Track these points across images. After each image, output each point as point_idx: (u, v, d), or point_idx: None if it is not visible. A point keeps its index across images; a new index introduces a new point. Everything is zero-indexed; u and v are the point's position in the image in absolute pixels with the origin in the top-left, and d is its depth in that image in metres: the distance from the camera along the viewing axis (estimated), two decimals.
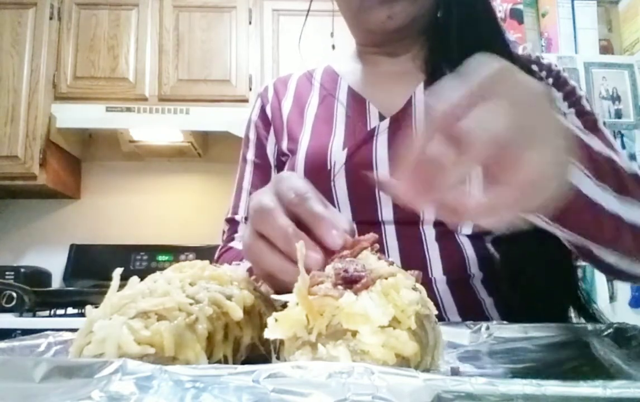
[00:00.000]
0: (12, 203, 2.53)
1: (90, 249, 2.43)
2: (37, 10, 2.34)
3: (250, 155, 0.79)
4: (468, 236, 0.63)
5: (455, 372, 0.32)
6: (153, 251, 2.39)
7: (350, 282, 0.30)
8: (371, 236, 0.37)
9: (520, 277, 0.61)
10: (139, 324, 0.28)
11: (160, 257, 2.37)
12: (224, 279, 0.35)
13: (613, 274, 0.54)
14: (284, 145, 0.74)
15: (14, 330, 1.67)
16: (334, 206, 0.65)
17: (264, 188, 0.41)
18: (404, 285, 0.30)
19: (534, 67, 0.71)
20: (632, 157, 2.15)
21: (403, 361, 0.27)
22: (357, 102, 0.72)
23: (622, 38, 2.49)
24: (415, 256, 0.62)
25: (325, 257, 0.36)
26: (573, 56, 2.24)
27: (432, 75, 0.69)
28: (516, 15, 2.35)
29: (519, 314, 0.63)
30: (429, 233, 0.63)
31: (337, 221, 0.37)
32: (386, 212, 0.64)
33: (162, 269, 0.35)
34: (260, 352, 0.34)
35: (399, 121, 0.67)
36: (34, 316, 1.80)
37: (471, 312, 0.60)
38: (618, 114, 2.18)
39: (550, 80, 0.70)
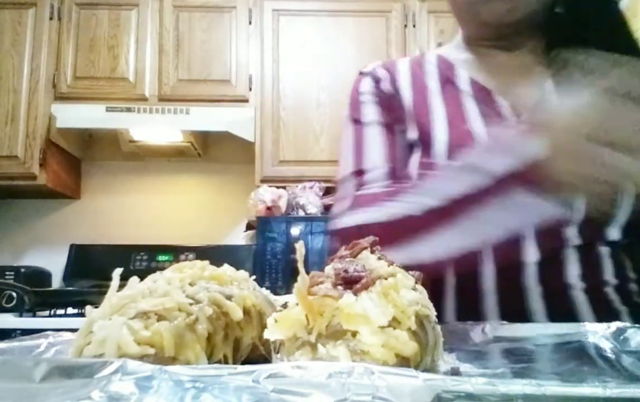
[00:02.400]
0: (12, 203, 2.53)
1: (90, 249, 2.43)
2: (37, 10, 2.34)
3: (372, 116, 0.73)
4: (607, 243, 0.62)
5: (455, 372, 0.32)
6: (153, 251, 2.39)
7: (350, 282, 0.30)
8: (371, 237, 0.37)
9: None
10: (139, 325, 0.28)
11: (160, 257, 2.37)
12: (224, 279, 0.35)
13: None
14: (412, 134, 0.71)
15: (14, 330, 1.67)
16: None
17: None
18: (404, 285, 0.30)
19: None
20: None
21: (403, 361, 0.27)
22: (483, 94, 0.70)
23: None
24: (554, 261, 0.61)
25: None
26: None
27: (560, 70, 0.65)
28: None
29: None
30: (571, 237, 0.61)
31: None
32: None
33: (162, 269, 0.35)
34: (260, 352, 0.34)
35: (534, 115, 0.63)
36: (34, 316, 1.80)
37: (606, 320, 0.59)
38: None
39: None
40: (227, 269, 0.37)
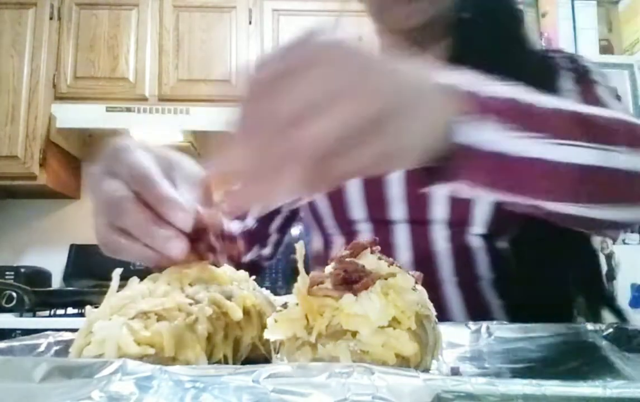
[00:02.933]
0: (12, 203, 2.53)
1: (90, 249, 2.43)
2: (37, 10, 2.34)
3: None
4: (480, 236, 0.63)
5: (455, 372, 0.32)
6: None
7: (350, 282, 0.30)
8: (370, 237, 0.37)
9: (536, 277, 0.60)
10: (139, 325, 0.28)
11: None
12: (224, 279, 0.35)
13: (587, 228, 0.49)
14: None
15: (14, 330, 1.67)
16: (347, 205, 0.65)
17: (101, 165, 0.39)
18: (404, 285, 0.30)
19: (555, 55, 0.71)
20: None
21: (403, 361, 0.27)
22: None
23: (622, 38, 2.49)
24: (425, 256, 0.62)
25: (188, 243, 0.35)
26: None
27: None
28: None
29: (528, 318, 0.62)
30: (439, 233, 0.63)
31: (183, 201, 0.36)
32: (398, 212, 0.64)
33: (162, 269, 0.35)
34: (260, 352, 0.34)
35: None
36: (34, 316, 1.80)
37: (478, 315, 0.59)
38: None
39: (565, 62, 0.69)
40: (227, 269, 0.37)
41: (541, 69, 0.67)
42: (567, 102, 0.43)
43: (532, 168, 0.37)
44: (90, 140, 2.58)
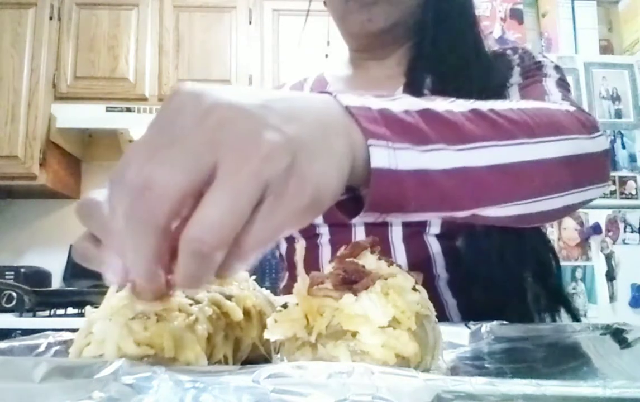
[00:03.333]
0: (12, 203, 2.53)
1: None
2: (37, 10, 2.34)
3: None
4: (436, 236, 0.64)
5: (455, 372, 0.32)
6: None
7: (350, 282, 0.30)
8: (371, 237, 0.37)
9: (491, 277, 0.60)
10: (139, 325, 0.28)
11: None
12: (224, 280, 0.35)
13: (527, 223, 0.47)
14: None
15: (14, 330, 1.67)
16: None
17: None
18: (404, 285, 0.30)
19: (508, 52, 0.73)
20: (632, 157, 2.15)
21: (403, 361, 0.27)
22: None
23: (622, 38, 2.49)
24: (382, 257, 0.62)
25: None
26: (573, 56, 2.24)
27: (412, 77, 0.70)
28: (516, 15, 2.35)
29: (483, 317, 0.62)
30: (396, 233, 0.64)
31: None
32: None
33: None
34: (260, 352, 0.34)
35: None
36: (34, 316, 1.79)
37: None
38: (618, 114, 2.18)
39: (518, 58, 0.71)
40: None
41: (495, 67, 0.69)
42: (478, 103, 0.41)
43: (457, 178, 0.35)
44: (90, 141, 2.58)
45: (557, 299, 0.66)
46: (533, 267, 0.64)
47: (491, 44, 0.74)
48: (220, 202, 0.23)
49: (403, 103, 0.35)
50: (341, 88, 0.77)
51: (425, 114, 0.35)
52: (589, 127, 0.48)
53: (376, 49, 0.74)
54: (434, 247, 0.63)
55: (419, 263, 0.62)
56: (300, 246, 0.30)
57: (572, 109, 0.49)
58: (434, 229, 0.63)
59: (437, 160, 0.34)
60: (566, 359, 0.34)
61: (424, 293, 0.32)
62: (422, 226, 0.64)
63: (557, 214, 0.46)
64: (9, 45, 2.30)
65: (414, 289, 0.31)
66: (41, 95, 2.28)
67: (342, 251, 0.36)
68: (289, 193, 0.25)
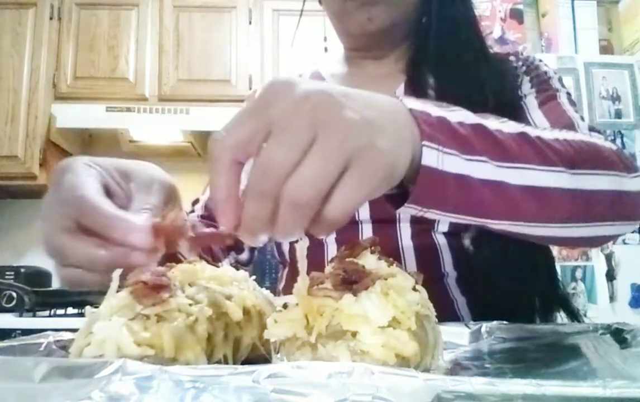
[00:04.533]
0: (12, 203, 2.53)
1: None
2: (37, 10, 2.34)
3: None
4: (444, 234, 0.64)
5: (455, 372, 0.32)
6: None
7: (349, 282, 0.30)
8: (371, 237, 0.37)
9: (498, 275, 0.61)
10: (139, 326, 0.28)
11: None
12: (224, 280, 0.35)
13: (538, 240, 0.50)
14: None
15: (14, 330, 1.67)
16: None
17: (49, 192, 0.38)
18: (404, 286, 0.30)
19: (511, 58, 0.73)
20: (632, 157, 2.15)
21: (403, 361, 0.27)
22: None
23: (622, 38, 2.49)
24: (389, 254, 0.62)
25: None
26: (573, 56, 2.24)
27: (413, 76, 0.70)
28: (516, 15, 2.35)
29: (492, 314, 0.63)
30: (404, 231, 0.64)
31: (131, 217, 0.36)
32: (363, 211, 0.65)
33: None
34: (260, 352, 0.34)
35: None
36: (34, 316, 1.79)
37: (443, 311, 0.59)
38: (618, 114, 2.18)
39: (524, 67, 0.71)
40: (227, 269, 0.37)
41: (501, 73, 0.70)
42: (528, 128, 0.45)
43: (493, 189, 0.39)
44: (90, 141, 2.58)
45: (556, 299, 0.66)
46: (535, 267, 0.65)
47: (491, 45, 0.74)
48: (313, 166, 0.28)
49: (460, 115, 0.39)
50: (338, 85, 0.76)
51: (477, 128, 0.39)
52: (630, 167, 0.51)
53: (374, 48, 0.74)
54: (442, 244, 0.64)
55: (428, 261, 0.63)
56: (301, 245, 0.30)
57: (614, 147, 0.52)
58: (442, 226, 0.64)
59: (478, 170, 0.38)
60: (566, 359, 0.34)
61: (424, 293, 0.32)
62: (431, 223, 0.64)
63: (587, 243, 0.50)
64: (9, 45, 2.30)
65: (414, 289, 0.31)
66: (41, 95, 2.28)
67: (342, 250, 0.36)
68: (368, 164, 0.30)
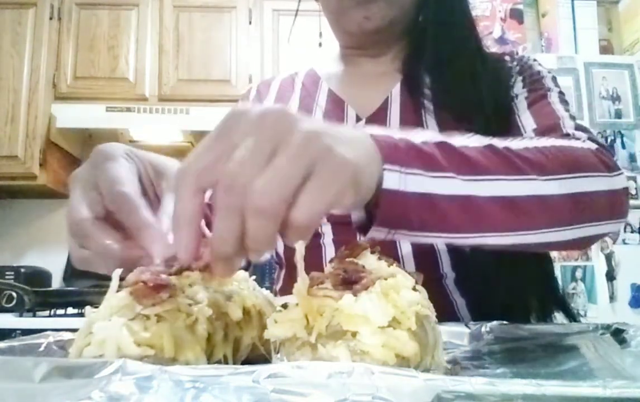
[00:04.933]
0: (12, 203, 2.53)
1: None
2: (37, 10, 2.34)
3: None
4: None
5: (455, 372, 0.32)
6: None
7: (349, 283, 0.30)
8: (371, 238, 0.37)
9: (495, 276, 0.61)
10: (139, 326, 0.28)
11: None
12: (224, 279, 0.35)
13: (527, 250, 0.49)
14: None
15: (14, 330, 1.67)
16: None
17: (83, 171, 0.39)
18: (404, 286, 0.30)
19: (506, 58, 0.73)
20: (632, 157, 2.15)
21: (403, 361, 0.27)
22: (335, 104, 0.73)
23: (622, 38, 2.49)
24: (390, 257, 0.62)
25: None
26: (573, 56, 2.24)
27: (409, 75, 0.70)
28: (516, 15, 2.35)
29: (491, 315, 0.63)
30: None
31: (159, 226, 0.37)
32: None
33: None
34: (260, 352, 0.34)
35: (374, 122, 0.68)
36: (34, 316, 1.79)
37: (442, 312, 0.59)
38: (618, 114, 2.18)
39: (518, 67, 0.71)
40: None
41: (497, 73, 0.70)
42: (494, 140, 0.45)
43: (460, 204, 0.39)
44: (90, 141, 2.58)
45: (554, 300, 0.66)
46: (532, 269, 0.65)
47: (489, 45, 0.75)
48: (275, 172, 0.28)
49: (423, 135, 0.39)
50: (334, 84, 0.76)
51: (442, 145, 0.40)
52: (609, 166, 0.51)
53: (370, 46, 0.74)
54: (441, 247, 0.63)
55: (427, 262, 0.62)
56: (300, 245, 0.30)
57: (594, 147, 0.52)
58: None
59: (444, 186, 0.38)
60: (566, 359, 0.34)
61: (424, 293, 0.32)
62: None
63: (568, 245, 0.49)
64: (9, 45, 2.30)
65: (414, 289, 0.31)
66: (41, 95, 2.28)
67: (342, 251, 0.36)
68: (331, 168, 0.30)
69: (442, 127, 0.65)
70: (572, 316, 0.65)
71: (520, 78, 0.69)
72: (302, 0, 0.82)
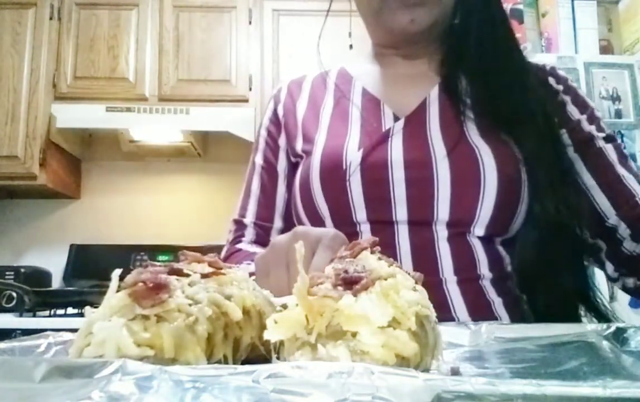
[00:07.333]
0: (12, 203, 2.53)
1: (90, 249, 2.43)
2: (37, 10, 2.34)
3: (259, 159, 0.80)
4: (479, 238, 0.64)
5: (455, 372, 0.32)
6: (153, 251, 2.39)
7: (349, 283, 0.30)
8: (371, 237, 0.37)
9: (530, 277, 0.62)
10: (139, 326, 0.28)
11: (160, 257, 2.37)
12: (224, 280, 0.35)
13: None
14: (298, 147, 0.74)
15: (14, 330, 1.67)
16: (349, 206, 0.66)
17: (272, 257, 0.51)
18: (404, 286, 0.30)
19: (551, 80, 0.74)
20: (633, 157, 2.15)
21: (403, 361, 0.27)
22: (371, 103, 0.73)
23: (622, 38, 2.49)
24: (426, 256, 0.63)
25: None
26: (573, 56, 2.24)
27: (447, 78, 0.71)
28: (516, 15, 2.35)
29: (528, 315, 0.63)
30: (441, 233, 0.64)
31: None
32: (400, 213, 0.65)
33: None
34: (260, 352, 0.34)
35: (413, 122, 0.68)
36: (34, 316, 1.80)
37: (480, 312, 0.60)
38: (618, 114, 2.18)
39: (561, 86, 0.72)
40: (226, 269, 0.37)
41: (542, 82, 0.71)
42: None
43: None
44: (90, 140, 2.58)
45: (586, 300, 0.66)
46: (564, 271, 0.64)
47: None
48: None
49: None
50: (368, 83, 0.76)
51: None
52: None
53: (405, 46, 0.74)
54: (478, 248, 0.64)
55: (464, 264, 0.63)
56: (299, 246, 0.30)
57: None
58: (478, 230, 0.64)
59: None
60: (566, 359, 0.34)
61: (424, 293, 0.32)
62: (466, 226, 0.64)
63: None
64: (9, 45, 2.30)
65: (414, 289, 0.31)
66: (41, 95, 2.28)
67: (342, 251, 0.36)
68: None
69: (484, 133, 0.65)
70: (604, 318, 0.65)
71: (552, 80, 0.71)
72: (306, 0, 0.82)
